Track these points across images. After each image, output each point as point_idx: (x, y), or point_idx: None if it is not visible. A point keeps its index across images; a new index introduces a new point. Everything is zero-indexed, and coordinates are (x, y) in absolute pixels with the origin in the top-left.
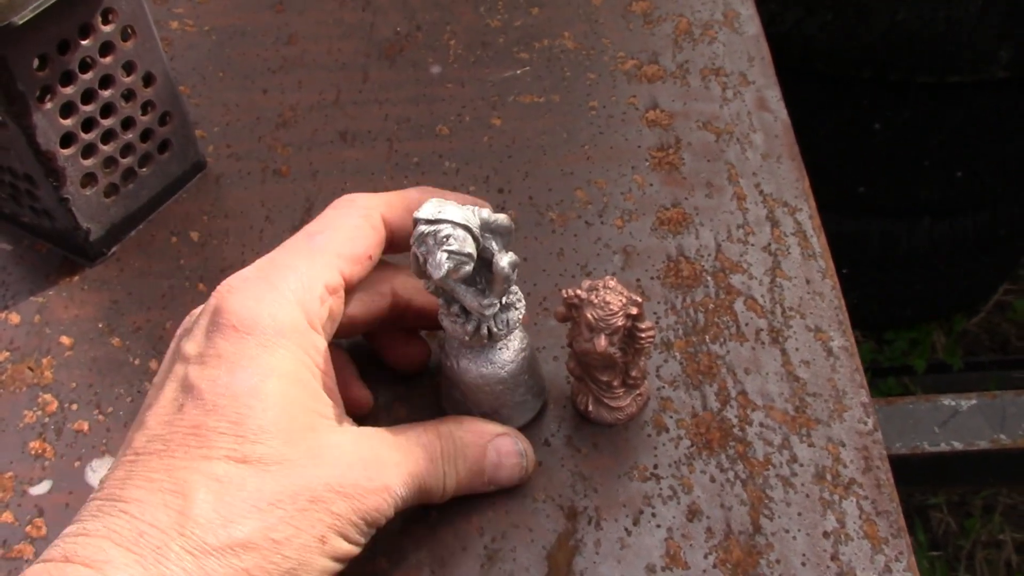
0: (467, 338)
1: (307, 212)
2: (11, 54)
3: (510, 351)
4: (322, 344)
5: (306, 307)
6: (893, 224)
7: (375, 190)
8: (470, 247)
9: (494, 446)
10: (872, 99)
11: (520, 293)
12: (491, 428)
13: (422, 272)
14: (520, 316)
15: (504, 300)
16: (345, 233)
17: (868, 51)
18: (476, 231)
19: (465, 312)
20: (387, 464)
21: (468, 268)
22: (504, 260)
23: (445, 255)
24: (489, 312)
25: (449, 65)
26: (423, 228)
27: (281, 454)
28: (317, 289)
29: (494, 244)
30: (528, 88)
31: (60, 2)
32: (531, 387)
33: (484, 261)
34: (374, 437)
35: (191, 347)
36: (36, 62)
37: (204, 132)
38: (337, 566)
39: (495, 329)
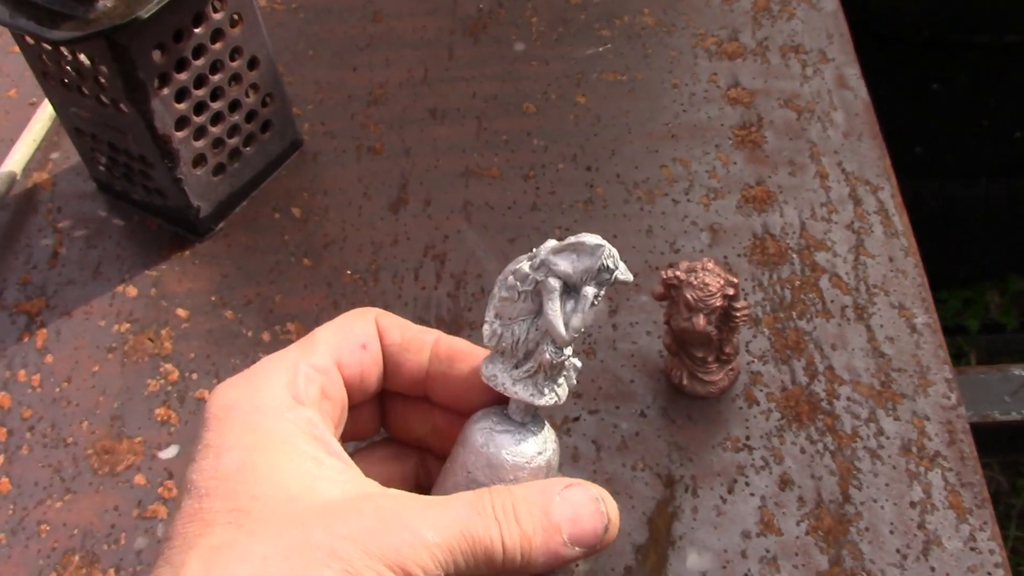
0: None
1: (402, 188)
2: (133, 44)
3: (548, 444)
4: (312, 414)
5: (289, 384)
6: (950, 184)
7: (467, 167)
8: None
9: (563, 497)
10: (930, 59)
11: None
12: (554, 481)
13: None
14: (575, 375)
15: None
16: (335, 325)
17: (927, 11)
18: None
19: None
20: (409, 509)
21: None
22: (588, 289)
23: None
24: (571, 334)
25: (532, 42)
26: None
27: (277, 514)
28: (301, 368)
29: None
30: (611, 65)
31: None
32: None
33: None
34: (398, 493)
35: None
36: (154, 51)
37: (299, 110)
38: None
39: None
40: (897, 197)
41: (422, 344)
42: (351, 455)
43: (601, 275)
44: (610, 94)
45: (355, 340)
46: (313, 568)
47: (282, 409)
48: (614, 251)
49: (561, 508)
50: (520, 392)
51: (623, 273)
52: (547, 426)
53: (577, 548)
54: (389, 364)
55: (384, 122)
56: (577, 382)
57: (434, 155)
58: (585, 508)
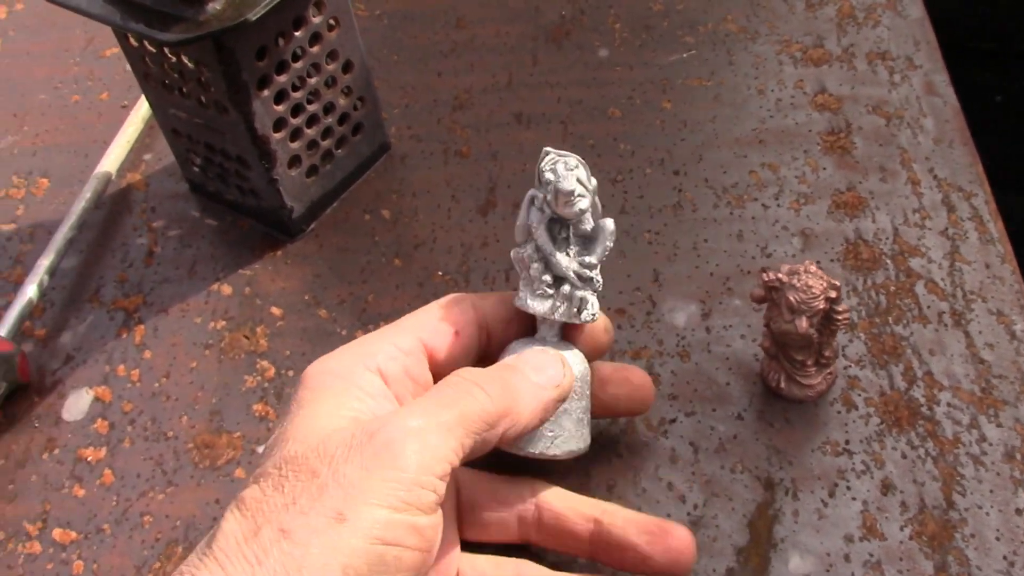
0: (558, 310)
1: (491, 191)
2: (239, 47)
3: (576, 359)
4: (381, 386)
5: (368, 357)
6: (1010, 196)
7: None
8: (591, 184)
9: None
10: (994, 70)
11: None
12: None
13: (546, 204)
14: (597, 292)
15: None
16: (428, 309)
17: (991, 21)
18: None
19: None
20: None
21: (586, 203)
22: (610, 220)
23: (575, 178)
24: (591, 273)
25: (616, 48)
26: (553, 154)
27: (300, 438)
28: (385, 347)
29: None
30: (695, 71)
31: None
32: (581, 421)
33: (576, 232)
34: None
35: None
36: (257, 53)
37: (386, 114)
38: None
39: (587, 295)
40: (991, 204)
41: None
42: None
43: (544, 185)
44: (696, 99)
45: (447, 326)
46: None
47: (346, 375)
48: (557, 160)
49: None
50: (536, 306)
51: (558, 179)
52: (575, 348)
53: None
54: (493, 348)
55: (470, 126)
56: (595, 313)
57: (521, 159)
58: (537, 356)
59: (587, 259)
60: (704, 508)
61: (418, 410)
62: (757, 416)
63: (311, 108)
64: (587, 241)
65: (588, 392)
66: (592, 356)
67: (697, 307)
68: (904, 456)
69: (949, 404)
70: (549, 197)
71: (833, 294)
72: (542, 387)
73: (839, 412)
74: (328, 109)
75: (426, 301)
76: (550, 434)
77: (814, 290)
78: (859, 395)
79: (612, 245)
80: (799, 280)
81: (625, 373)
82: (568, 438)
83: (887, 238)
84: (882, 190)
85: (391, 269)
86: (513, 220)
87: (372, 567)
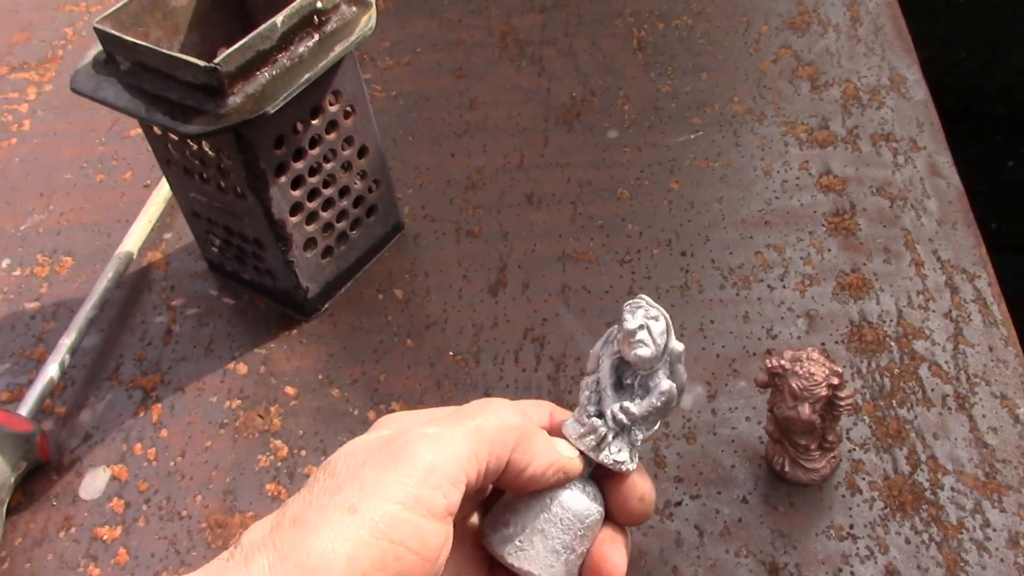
0: (583, 438)
1: (501, 271)
2: (256, 137)
3: (598, 504)
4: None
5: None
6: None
7: (563, 251)
8: (663, 340)
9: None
10: (1005, 135)
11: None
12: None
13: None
14: (633, 445)
15: (641, 429)
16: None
17: (1002, 88)
18: (670, 342)
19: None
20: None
21: (647, 351)
22: (667, 381)
23: (642, 320)
24: (626, 420)
25: (625, 130)
26: (643, 301)
27: (331, 460)
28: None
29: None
30: (703, 152)
31: (301, 90)
32: (557, 554)
33: (643, 385)
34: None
35: None
36: (275, 142)
37: (400, 194)
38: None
39: (610, 435)
40: (995, 286)
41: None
42: None
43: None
44: (703, 180)
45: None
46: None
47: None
48: (641, 305)
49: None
50: (569, 428)
51: (627, 319)
52: (596, 489)
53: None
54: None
55: (482, 206)
56: (639, 457)
57: (531, 239)
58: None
59: (628, 405)
60: None
61: (437, 421)
62: (762, 499)
63: (327, 192)
64: (648, 395)
65: (582, 537)
66: (620, 518)
67: (703, 388)
68: (908, 541)
69: (953, 488)
70: (619, 334)
71: (836, 381)
72: (554, 448)
73: (843, 496)
74: (343, 192)
75: (437, 381)
76: (518, 542)
77: (816, 377)
78: (863, 479)
79: (661, 406)
80: (801, 367)
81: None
82: (532, 558)
83: (891, 320)
84: (886, 272)
85: (403, 349)
86: (523, 299)
87: (374, 562)
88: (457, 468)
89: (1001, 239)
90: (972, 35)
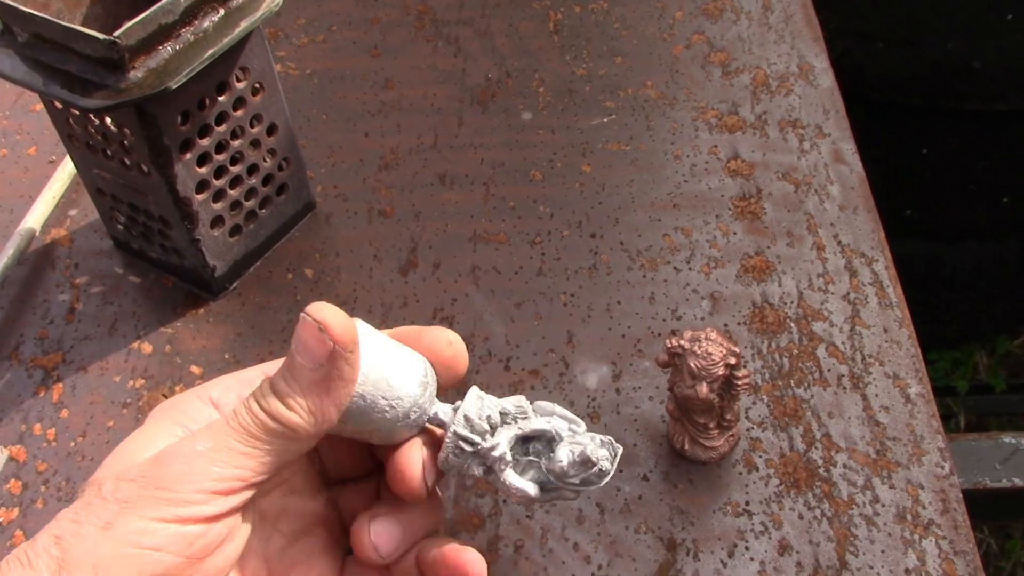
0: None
1: (412, 251)
2: (160, 113)
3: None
4: (204, 410)
5: (200, 391)
6: (939, 247)
7: (475, 232)
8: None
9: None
10: (921, 125)
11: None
12: None
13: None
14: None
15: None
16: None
17: (918, 79)
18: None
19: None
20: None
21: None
22: (563, 456)
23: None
24: (494, 452)
25: (539, 112)
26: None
27: (99, 477)
28: (223, 379)
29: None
30: (615, 136)
31: (206, 66)
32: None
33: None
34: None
35: None
36: (179, 118)
37: (312, 173)
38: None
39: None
40: (891, 269)
41: None
42: None
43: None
44: (614, 163)
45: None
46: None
47: (183, 406)
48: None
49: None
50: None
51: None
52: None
53: (311, 358)
54: None
55: (395, 186)
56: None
57: (443, 219)
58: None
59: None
60: (608, 568)
61: (207, 432)
62: (662, 477)
63: (234, 170)
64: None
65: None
66: (443, 374)
67: (608, 369)
68: (801, 517)
69: (845, 466)
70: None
71: (733, 360)
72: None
73: (741, 473)
74: (252, 170)
75: None
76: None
77: (714, 357)
78: (760, 456)
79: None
80: (700, 347)
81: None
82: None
83: (792, 302)
84: (789, 255)
85: None
86: (433, 280)
87: (127, 569)
88: (219, 480)
89: (914, 225)
90: (892, 27)
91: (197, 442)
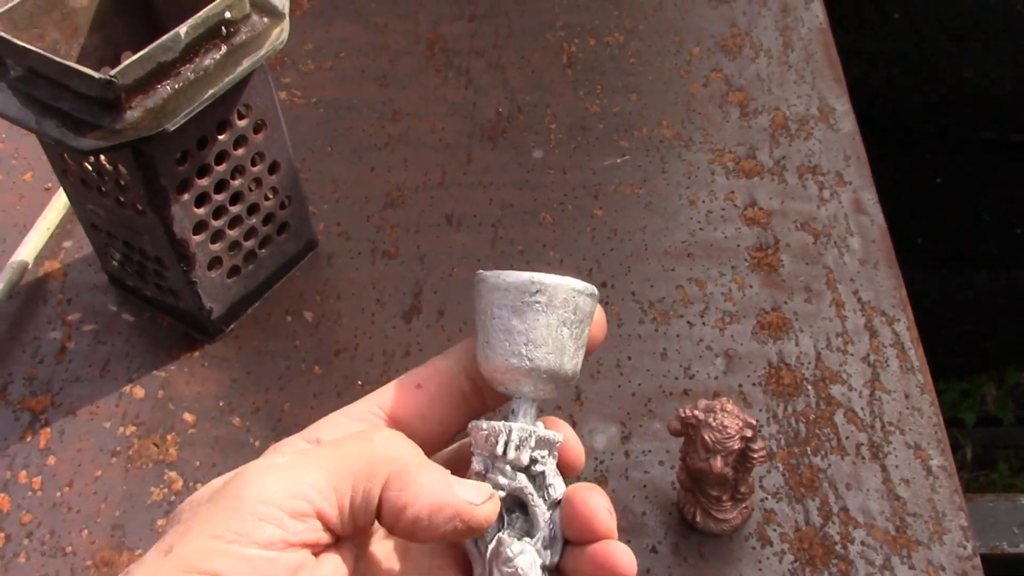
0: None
1: (416, 296)
2: (157, 153)
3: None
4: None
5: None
6: (950, 275)
7: None
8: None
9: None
10: (935, 153)
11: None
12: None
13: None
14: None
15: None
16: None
17: (933, 107)
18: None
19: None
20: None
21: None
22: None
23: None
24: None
25: (551, 150)
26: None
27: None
28: (333, 429)
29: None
30: (628, 178)
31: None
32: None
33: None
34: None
35: None
36: (177, 158)
37: (315, 208)
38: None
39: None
40: (913, 331)
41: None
42: None
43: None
44: (627, 207)
45: (410, 382)
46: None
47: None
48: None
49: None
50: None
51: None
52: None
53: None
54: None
55: (400, 225)
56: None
57: (449, 263)
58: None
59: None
60: None
61: (290, 448)
62: (672, 550)
63: (234, 209)
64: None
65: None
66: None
67: (617, 429)
68: None
69: (863, 543)
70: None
71: (749, 433)
72: (450, 488)
73: (754, 548)
74: (252, 210)
75: None
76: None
77: (730, 430)
78: (775, 530)
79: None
80: (715, 419)
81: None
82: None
83: (809, 363)
84: (806, 311)
85: (310, 376)
86: (438, 327)
87: None
88: (299, 499)
89: (925, 253)
90: (904, 52)
91: (275, 454)
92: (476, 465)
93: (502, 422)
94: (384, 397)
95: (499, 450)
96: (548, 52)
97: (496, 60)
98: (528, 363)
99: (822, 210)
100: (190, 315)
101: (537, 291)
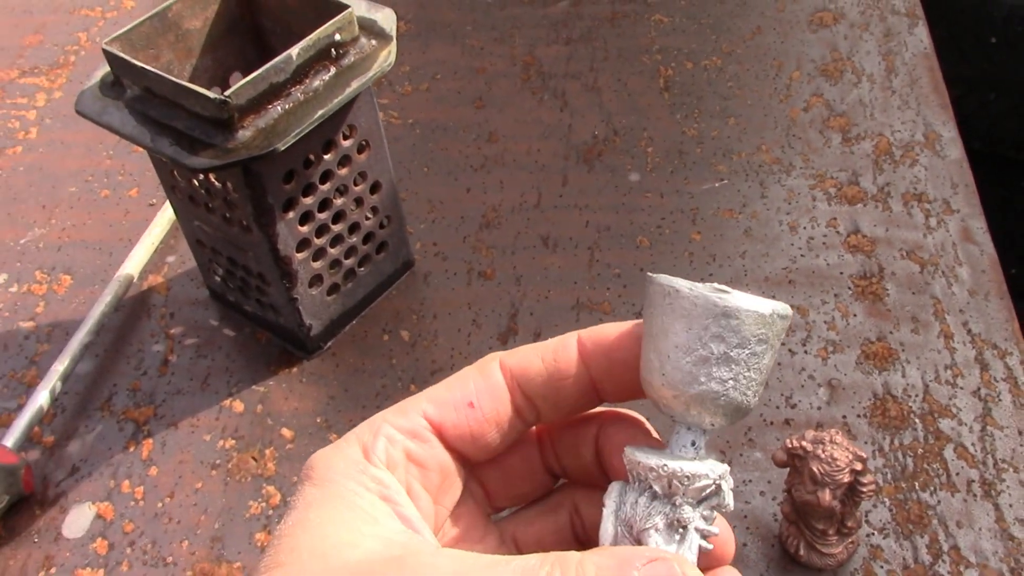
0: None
1: (512, 318)
2: (265, 171)
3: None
4: (384, 475)
5: (367, 446)
6: None
7: (578, 300)
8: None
9: (643, 572)
10: None
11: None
12: (636, 551)
13: None
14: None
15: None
16: (444, 383)
17: None
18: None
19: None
20: (443, 569)
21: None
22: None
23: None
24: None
25: (647, 173)
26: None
27: (307, 567)
28: (384, 430)
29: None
30: (727, 202)
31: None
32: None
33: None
34: (450, 552)
35: None
36: (284, 176)
37: (412, 229)
38: None
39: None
40: None
41: (567, 360)
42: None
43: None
44: (726, 232)
45: (460, 399)
46: None
47: (352, 470)
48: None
49: None
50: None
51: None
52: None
53: None
54: (540, 400)
55: (496, 246)
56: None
57: (545, 285)
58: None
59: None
60: None
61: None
62: None
63: (336, 228)
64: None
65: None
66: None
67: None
68: None
69: None
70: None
71: (859, 466)
72: None
73: None
74: (353, 229)
75: None
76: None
77: (839, 463)
78: (881, 567)
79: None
80: (824, 450)
81: None
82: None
83: (917, 395)
84: (913, 342)
85: (406, 395)
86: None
87: None
88: None
89: (1021, 285)
90: (1002, 76)
91: (440, 558)
92: (638, 496)
93: (687, 462)
94: (433, 407)
95: (692, 491)
96: (644, 75)
97: (592, 83)
98: (718, 395)
99: (929, 239)
100: (289, 331)
101: (737, 317)
